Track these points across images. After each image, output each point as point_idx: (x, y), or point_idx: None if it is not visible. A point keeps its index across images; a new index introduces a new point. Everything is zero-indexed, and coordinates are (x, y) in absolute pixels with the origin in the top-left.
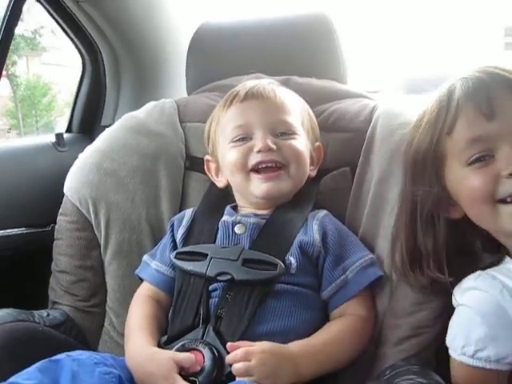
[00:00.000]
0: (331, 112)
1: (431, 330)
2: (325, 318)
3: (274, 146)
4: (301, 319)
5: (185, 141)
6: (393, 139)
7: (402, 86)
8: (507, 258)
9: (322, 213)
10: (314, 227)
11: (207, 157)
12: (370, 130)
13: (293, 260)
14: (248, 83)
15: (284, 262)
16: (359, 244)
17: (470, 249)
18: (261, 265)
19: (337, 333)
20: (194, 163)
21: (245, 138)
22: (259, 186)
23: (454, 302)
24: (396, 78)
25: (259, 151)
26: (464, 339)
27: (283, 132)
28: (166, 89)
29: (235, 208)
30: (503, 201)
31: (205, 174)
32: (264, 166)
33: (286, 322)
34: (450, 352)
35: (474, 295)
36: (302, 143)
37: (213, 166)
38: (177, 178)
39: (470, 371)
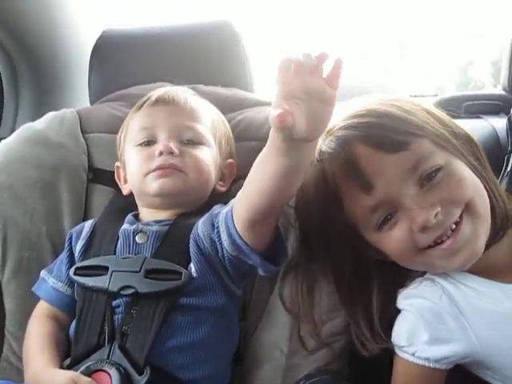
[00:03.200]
0: (238, 121)
1: (344, 337)
2: (236, 317)
3: (176, 151)
4: (211, 330)
5: (87, 152)
6: None
7: None
8: None
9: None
10: (200, 220)
11: (117, 163)
12: None
13: (192, 265)
14: (161, 89)
15: (187, 269)
16: None
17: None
18: (165, 274)
19: None
20: (98, 175)
21: (150, 141)
22: (153, 182)
23: (399, 305)
24: None
25: (160, 153)
26: (406, 340)
27: (190, 139)
28: (69, 98)
29: (137, 216)
30: (429, 247)
31: (109, 186)
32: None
33: (195, 335)
34: (395, 349)
35: (416, 302)
36: (208, 154)
37: (122, 173)
38: (79, 191)
39: (411, 367)
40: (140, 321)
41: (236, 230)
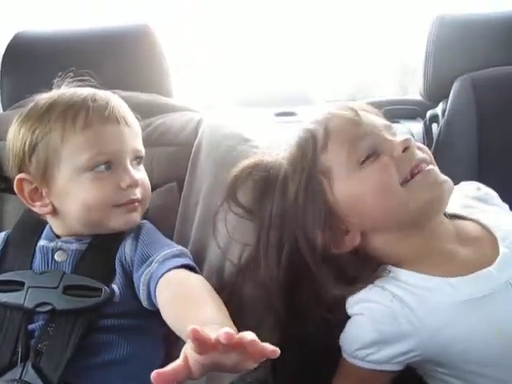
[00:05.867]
0: (156, 126)
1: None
2: (160, 334)
3: (139, 181)
4: (133, 349)
5: None
6: (219, 151)
7: (235, 100)
8: (393, 269)
9: (140, 223)
10: (127, 241)
11: (22, 175)
12: (196, 143)
13: (115, 287)
14: (99, 98)
15: (108, 287)
16: (171, 243)
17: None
18: (84, 291)
19: None
20: (11, 185)
21: (102, 166)
22: (120, 217)
23: (348, 311)
24: (230, 92)
25: (129, 186)
26: (357, 344)
27: (138, 158)
28: None
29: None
30: (411, 177)
31: None
32: None
33: (116, 353)
34: (343, 354)
35: (366, 306)
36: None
37: (29, 186)
38: None
39: (360, 372)
40: (56, 339)
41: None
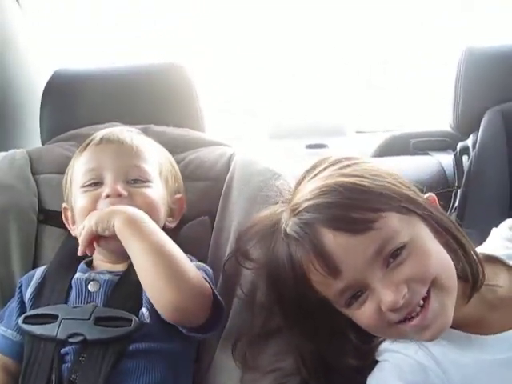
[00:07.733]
0: (189, 161)
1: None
2: (190, 360)
3: (124, 192)
4: (163, 375)
5: (38, 193)
6: (250, 186)
7: (266, 132)
8: None
9: None
10: None
11: (64, 205)
12: (227, 177)
13: (144, 310)
14: (106, 129)
15: (138, 316)
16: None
17: None
18: (115, 322)
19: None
20: (49, 217)
21: (96, 182)
22: None
23: (377, 358)
24: (260, 124)
25: (107, 196)
26: None
27: (136, 179)
28: (20, 139)
29: (90, 264)
30: (399, 322)
31: (60, 227)
32: None
33: (146, 380)
34: None
35: (392, 356)
36: (156, 192)
37: (69, 214)
38: (29, 233)
39: None
40: (88, 368)
41: None
